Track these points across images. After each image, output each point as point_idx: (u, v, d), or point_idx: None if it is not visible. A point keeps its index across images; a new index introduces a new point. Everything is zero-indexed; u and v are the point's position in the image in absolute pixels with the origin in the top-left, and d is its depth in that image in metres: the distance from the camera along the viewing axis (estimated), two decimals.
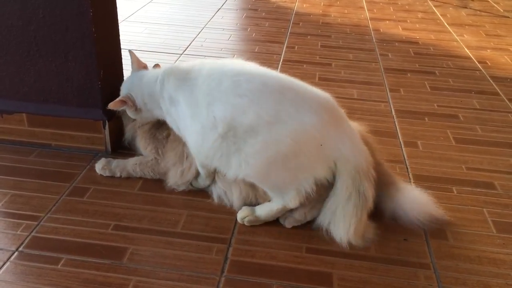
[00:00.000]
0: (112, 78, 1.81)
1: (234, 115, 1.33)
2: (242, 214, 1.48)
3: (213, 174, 1.56)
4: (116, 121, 1.81)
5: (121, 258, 1.32)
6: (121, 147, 1.84)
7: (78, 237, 1.39)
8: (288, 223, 1.46)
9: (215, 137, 1.36)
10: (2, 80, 1.74)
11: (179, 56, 2.76)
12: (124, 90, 1.61)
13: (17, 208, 1.49)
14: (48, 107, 1.76)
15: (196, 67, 1.46)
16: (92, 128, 1.76)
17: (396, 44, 3.23)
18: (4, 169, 1.68)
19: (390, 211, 1.48)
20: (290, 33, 3.35)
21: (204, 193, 1.60)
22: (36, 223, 1.43)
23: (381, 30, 3.51)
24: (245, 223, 1.46)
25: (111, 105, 1.56)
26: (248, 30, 3.40)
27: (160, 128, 1.68)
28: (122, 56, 1.90)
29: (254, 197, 1.50)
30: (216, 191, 1.57)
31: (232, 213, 1.51)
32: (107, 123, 1.75)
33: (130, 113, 1.61)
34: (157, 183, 1.64)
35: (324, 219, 1.40)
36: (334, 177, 1.37)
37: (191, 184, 1.61)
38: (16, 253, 1.32)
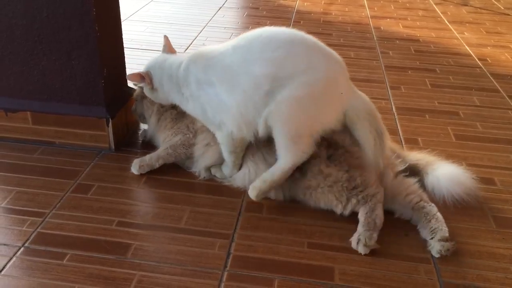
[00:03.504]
0: (115, 76, 1.83)
1: (275, 68, 1.43)
2: (255, 189, 1.52)
3: (240, 161, 1.61)
4: (119, 119, 1.83)
5: (125, 253, 1.34)
6: (125, 144, 1.86)
7: (83, 233, 1.41)
8: (365, 248, 1.37)
9: (262, 95, 1.44)
10: (7, 79, 1.76)
11: None
12: (146, 67, 1.64)
13: (22, 204, 1.51)
14: (52, 105, 1.78)
15: (220, 45, 1.53)
16: (96, 126, 1.78)
17: (397, 41, 3.24)
18: (9, 166, 1.70)
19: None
20: None
21: (206, 189, 1.62)
22: (41, 219, 1.45)
23: (382, 28, 3.52)
24: (261, 194, 1.52)
25: (129, 76, 1.61)
26: (250, 28, 3.38)
27: None
28: (125, 55, 1.92)
29: None
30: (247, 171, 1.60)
31: (234, 209, 1.53)
32: (110, 121, 1.77)
33: (146, 90, 1.65)
34: (160, 179, 1.66)
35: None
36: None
37: (214, 175, 1.66)
38: (22, 249, 1.34)
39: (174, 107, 1.75)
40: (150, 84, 1.60)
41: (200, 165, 1.68)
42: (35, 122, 1.81)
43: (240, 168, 1.63)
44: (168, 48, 1.66)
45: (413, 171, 1.63)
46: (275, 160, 1.53)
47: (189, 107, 1.58)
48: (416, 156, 1.68)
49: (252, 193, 1.53)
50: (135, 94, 1.84)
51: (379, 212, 1.43)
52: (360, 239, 1.37)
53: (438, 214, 1.45)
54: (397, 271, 1.32)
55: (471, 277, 1.31)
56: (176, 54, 1.65)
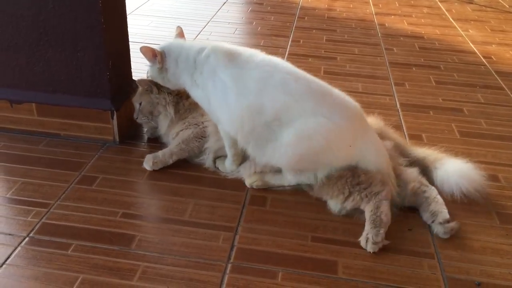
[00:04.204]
0: (120, 68, 1.83)
1: (281, 109, 1.45)
2: (252, 179, 1.58)
3: (240, 158, 1.62)
4: (124, 111, 1.83)
5: (129, 244, 1.34)
6: (129, 137, 1.86)
7: (88, 224, 1.41)
8: (374, 246, 1.36)
9: (261, 122, 1.46)
10: (12, 70, 1.76)
11: None
12: (160, 47, 1.60)
13: (27, 195, 1.52)
14: (57, 97, 1.78)
15: (247, 52, 1.54)
16: (101, 118, 1.78)
17: (401, 38, 3.23)
18: (14, 157, 1.71)
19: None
20: (295, 27, 3.36)
21: (211, 182, 1.63)
22: (46, 210, 1.46)
23: (386, 25, 3.52)
24: (254, 187, 1.58)
25: (143, 48, 1.56)
26: (254, 24, 3.41)
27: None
28: (130, 48, 1.92)
29: None
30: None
31: (239, 202, 1.54)
32: (115, 113, 1.77)
33: (153, 71, 1.61)
34: (164, 172, 1.67)
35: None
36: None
37: (217, 167, 1.67)
38: (26, 239, 1.35)
39: (184, 97, 1.75)
40: (161, 63, 1.57)
41: (209, 145, 1.67)
42: (40, 113, 1.81)
43: (240, 164, 1.64)
44: (180, 36, 1.67)
45: (421, 165, 1.63)
46: None
47: (196, 94, 1.58)
48: (425, 152, 1.69)
49: (248, 181, 1.59)
50: (135, 97, 1.78)
51: (385, 209, 1.42)
52: (368, 238, 1.37)
53: (438, 196, 1.49)
54: (401, 266, 1.32)
55: (475, 273, 1.31)
56: (193, 40, 1.65)
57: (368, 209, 1.43)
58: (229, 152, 1.62)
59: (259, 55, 1.54)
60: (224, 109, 1.50)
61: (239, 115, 1.48)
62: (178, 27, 1.69)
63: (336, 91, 1.53)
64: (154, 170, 1.67)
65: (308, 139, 1.44)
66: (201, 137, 1.68)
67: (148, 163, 1.67)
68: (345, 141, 1.47)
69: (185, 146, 1.67)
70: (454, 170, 1.59)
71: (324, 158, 1.48)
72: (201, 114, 1.73)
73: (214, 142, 1.67)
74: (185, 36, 1.70)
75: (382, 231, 1.37)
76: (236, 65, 1.50)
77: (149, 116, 1.78)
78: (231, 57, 1.51)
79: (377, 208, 1.42)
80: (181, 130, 1.72)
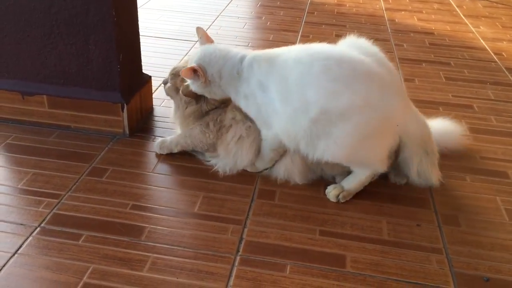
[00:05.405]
0: (131, 62, 1.84)
1: (328, 99, 1.39)
2: (335, 192, 1.54)
3: (277, 158, 1.60)
4: (134, 104, 1.84)
5: (139, 235, 1.36)
6: (138, 130, 1.87)
7: (98, 215, 1.43)
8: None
9: (306, 121, 1.41)
10: (24, 62, 1.78)
11: (194, 44, 2.78)
12: (195, 60, 1.54)
13: (39, 186, 1.54)
14: (68, 90, 1.80)
15: (284, 52, 1.50)
16: (111, 111, 1.80)
17: (412, 34, 3.22)
18: (26, 149, 1.73)
19: None
20: (304, 22, 3.36)
21: (220, 175, 1.63)
22: (57, 200, 1.47)
23: (397, 21, 3.50)
24: (341, 200, 1.53)
25: (183, 72, 1.51)
26: (263, 18, 3.41)
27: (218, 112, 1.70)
28: (141, 42, 1.93)
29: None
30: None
31: (247, 195, 1.54)
32: (125, 106, 1.78)
33: (196, 86, 1.56)
34: (174, 165, 1.68)
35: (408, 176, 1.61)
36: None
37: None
38: (38, 229, 1.36)
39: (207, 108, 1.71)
40: (203, 77, 1.51)
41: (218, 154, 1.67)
42: (51, 106, 1.83)
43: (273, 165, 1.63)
44: (205, 38, 1.60)
45: None
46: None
47: (242, 103, 1.54)
48: None
49: (331, 195, 1.54)
50: (173, 75, 1.72)
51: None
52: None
53: None
54: (409, 261, 1.32)
55: (483, 268, 1.31)
56: (226, 46, 1.57)
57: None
58: (268, 155, 1.59)
59: (297, 49, 1.49)
60: (275, 118, 1.47)
61: (287, 121, 1.44)
62: (199, 28, 1.61)
63: (379, 67, 1.46)
64: (163, 163, 1.68)
65: (363, 127, 1.40)
66: (206, 143, 1.66)
67: (157, 146, 1.72)
68: (395, 121, 1.46)
69: (190, 142, 1.69)
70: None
71: (379, 140, 1.46)
72: (207, 124, 1.67)
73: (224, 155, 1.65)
74: (195, 29, 1.67)
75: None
76: (276, 69, 1.45)
77: (168, 94, 1.76)
78: (271, 62, 1.47)
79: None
80: (191, 129, 1.72)
